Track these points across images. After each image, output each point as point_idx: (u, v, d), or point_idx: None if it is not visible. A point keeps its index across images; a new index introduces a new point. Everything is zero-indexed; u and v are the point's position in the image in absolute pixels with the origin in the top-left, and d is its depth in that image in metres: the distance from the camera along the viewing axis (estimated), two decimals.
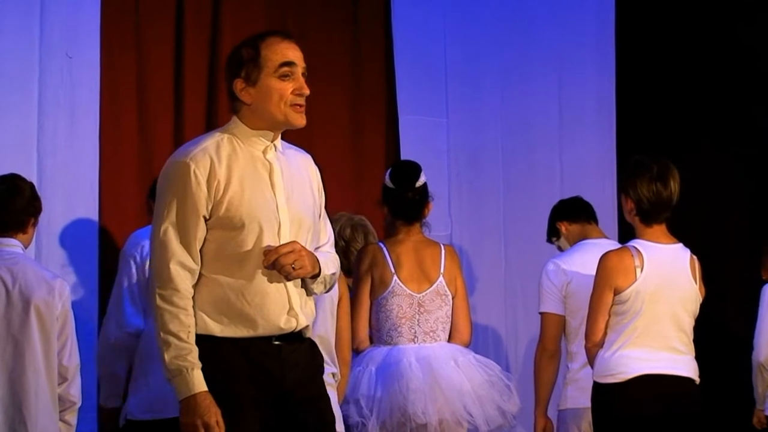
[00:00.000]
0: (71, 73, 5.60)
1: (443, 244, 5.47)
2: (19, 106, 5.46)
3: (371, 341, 5.29)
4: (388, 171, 5.45)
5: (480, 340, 6.61)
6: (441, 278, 5.32)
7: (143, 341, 5.08)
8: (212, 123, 6.07)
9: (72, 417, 4.68)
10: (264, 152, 3.69)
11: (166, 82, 6.01)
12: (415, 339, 5.24)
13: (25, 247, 4.70)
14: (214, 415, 3.51)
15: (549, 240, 5.78)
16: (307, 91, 3.67)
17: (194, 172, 3.58)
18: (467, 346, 5.37)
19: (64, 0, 5.62)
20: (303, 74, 3.69)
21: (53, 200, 5.43)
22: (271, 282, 3.61)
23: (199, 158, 3.60)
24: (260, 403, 3.59)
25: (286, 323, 3.63)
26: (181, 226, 3.57)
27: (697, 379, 4.72)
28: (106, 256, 5.65)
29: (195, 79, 6.08)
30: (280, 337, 3.64)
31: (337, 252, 5.15)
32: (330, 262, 3.78)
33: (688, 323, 4.71)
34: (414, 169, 5.42)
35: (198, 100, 6.09)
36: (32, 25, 5.52)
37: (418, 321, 5.26)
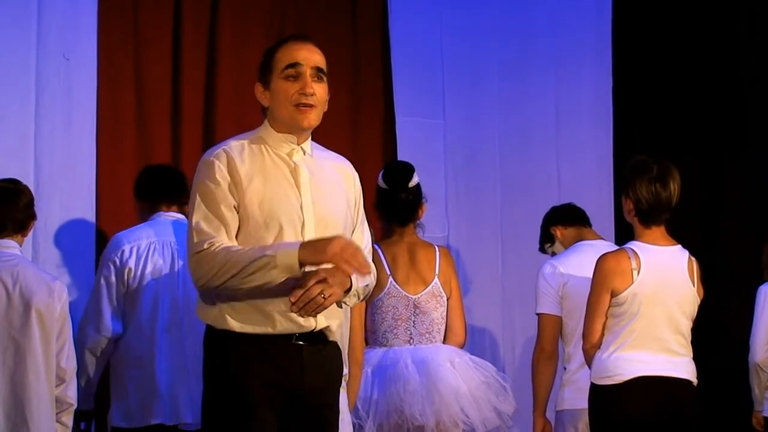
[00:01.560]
0: (68, 75, 5.60)
1: (438, 246, 5.48)
2: (16, 108, 5.46)
3: (367, 343, 5.27)
4: (381, 172, 5.45)
5: (476, 341, 6.61)
6: (436, 279, 5.32)
7: (120, 348, 5.06)
8: (210, 124, 6.08)
9: (68, 418, 4.71)
10: (290, 154, 3.73)
11: (163, 83, 6.00)
12: (411, 340, 5.25)
13: None
14: (323, 247, 3.49)
15: (541, 248, 5.76)
16: (310, 91, 3.70)
17: (218, 166, 3.63)
18: (462, 347, 5.38)
19: (61, 2, 5.61)
20: (314, 75, 3.72)
21: (50, 202, 5.44)
22: (290, 282, 3.57)
23: (222, 156, 3.66)
24: (275, 403, 3.58)
25: (305, 321, 3.62)
26: (212, 215, 3.59)
27: (695, 381, 4.71)
28: None
29: (193, 81, 6.07)
30: (301, 337, 3.64)
31: None
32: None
33: (686, 325, 4.71)
34: (407, 169, 5.42)
35: (196, 101, 6.09)
36: (29, 28, 5.51)
37: (413, 322, 5.26)
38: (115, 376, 5.10)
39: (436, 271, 5.34)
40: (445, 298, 5.34)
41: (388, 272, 5.26)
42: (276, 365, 3.59)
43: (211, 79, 6.12)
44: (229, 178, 3.62)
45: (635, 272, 4.63)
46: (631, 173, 4.72)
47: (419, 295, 5.28)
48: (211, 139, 5.92)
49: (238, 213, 3.62)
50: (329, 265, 3.52)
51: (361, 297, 3.80)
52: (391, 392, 5.07)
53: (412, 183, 5.36)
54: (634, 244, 4.71)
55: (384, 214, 5.38)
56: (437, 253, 5.38)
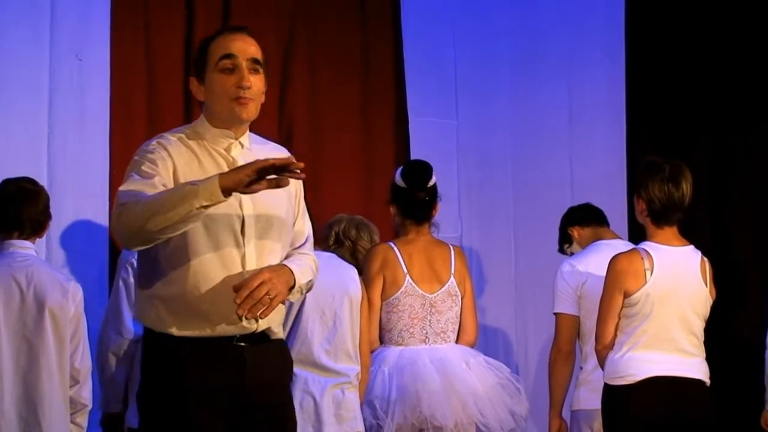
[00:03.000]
0: (81, 75, 5.61)
1: (452, 245, 5.48)
2: (29, 108, 5.47)
3: (381, 341, 5.28)
4: (399, 170, 5.43)
5: (490, 341, 6.61)
6: (452, 279, 5.32)
7: (138, 349, 5.05)
8: None
9: (83, 419, 4.70)
10: (228, 149, 3.60)
11: (176, 83, 6.00)
12: (427, 340, 5.24)
13: None
14: (244, 166, 3.27)
15: (561, 249, 5.76)
16: (247, 84, 3.53)
17: (158, 155, 3.49)
18: (473, 346, 5.38)
19: (74, 2, 5.62)
20: (250, 67, 3.57)
21: (63, 202, 5.44)
22: (230, 280, 3.45)
23: (159, 147, 3.53)
24: (220, 406, 3.47)
25: (247, 323, 3.49)
26: (144, 182, 3.41)
27: (708, 381, 4.71)
28: (115, 258, 5.63)
29: None
30: (243, 338, 3.51)
31: (343, 252, 5.16)
32: (307, 269, 3.64)
33: (698, 325, 4.70)
34: (426, 168, 5.41)
35: None
36: (42, 28, 5.52)
37: (429, 322, 5.25)
38: (133, 378, 5.10)
39: (452, 271, 5.34)
40: (459, 297, 5.34)
41: (405, 271, 5.26)
42: (217, 368, 3.47)
43: None
44: (169, 167, 3.48)
45: (648, 273, 4.62)
46: (644, 174, 4.72)
47: (435, 294, 5.28)
48: None
49: None
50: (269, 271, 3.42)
51: (304, 292, 3.66)
52: (410, 392, 5.06)
53: (431, 183, 5.36)
54: (646, 245, 4.71)
55: (400, 212, 5.38)
56: (452, 253, 5.38)
